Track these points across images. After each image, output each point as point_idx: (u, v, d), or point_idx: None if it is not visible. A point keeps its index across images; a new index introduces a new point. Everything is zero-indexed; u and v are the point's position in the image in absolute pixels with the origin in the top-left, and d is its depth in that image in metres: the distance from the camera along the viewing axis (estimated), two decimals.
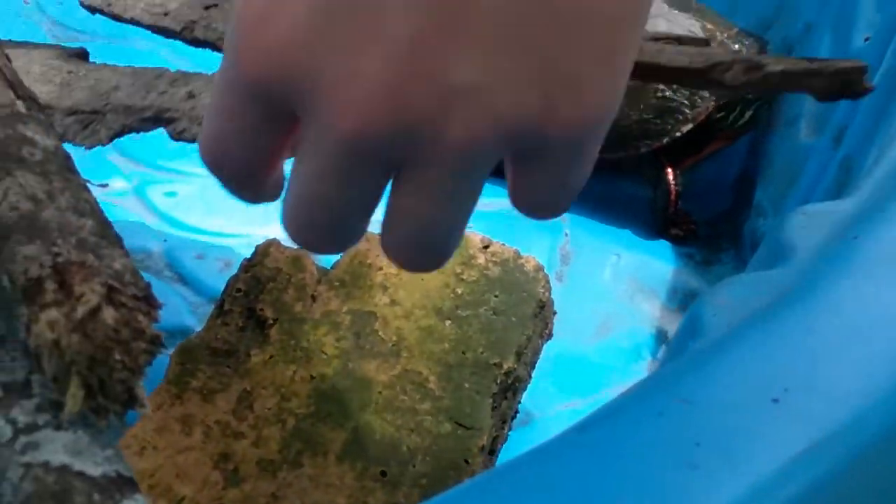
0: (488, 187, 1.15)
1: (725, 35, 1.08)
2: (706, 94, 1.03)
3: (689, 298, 1.02)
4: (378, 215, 1.08)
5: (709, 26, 1.08)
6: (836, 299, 0.46)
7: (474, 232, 0.89)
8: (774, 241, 0.54)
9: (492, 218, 1.09)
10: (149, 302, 0.40)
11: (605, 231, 1.08)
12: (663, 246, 1.07)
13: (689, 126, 1.03)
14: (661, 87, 1.04)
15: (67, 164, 0.44)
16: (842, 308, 0.45)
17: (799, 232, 0.54)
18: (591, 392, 0.95)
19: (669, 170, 1.05)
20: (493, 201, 1.11)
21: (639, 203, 1.11)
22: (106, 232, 0.42)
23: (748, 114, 1.04)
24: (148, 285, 0.41)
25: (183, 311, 0.93)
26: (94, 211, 0.42)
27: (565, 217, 1.10)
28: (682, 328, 0.53)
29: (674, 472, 0.38)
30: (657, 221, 1.07)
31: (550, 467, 0.39)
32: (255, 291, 0.83)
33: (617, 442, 0.39)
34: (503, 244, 0.89)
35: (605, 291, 1.02)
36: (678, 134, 1.03)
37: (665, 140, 1.03)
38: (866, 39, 0.97)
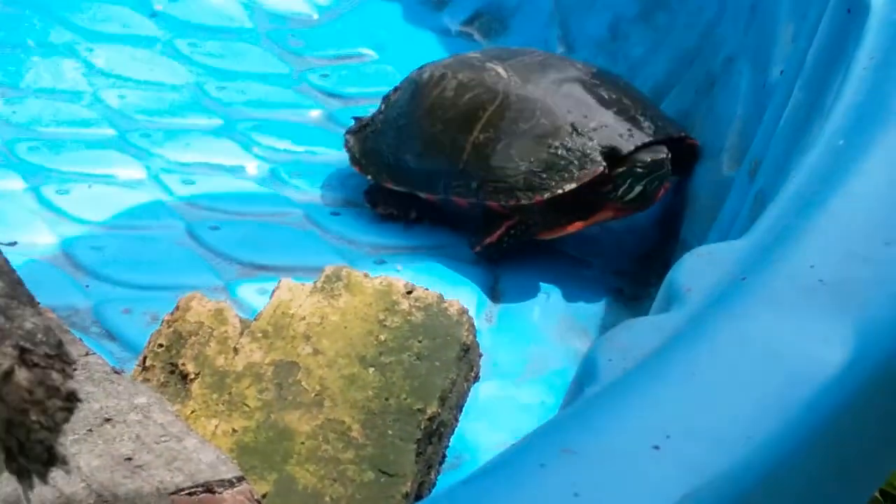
0: (416, 230, 1.16)
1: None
2: (598, 157, 1.04)
3: None
4: (296, 259, 1.07)
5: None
6: (719, 342, 0.47)
7: (398, 277, 0.89)
8: (670, 283, 0.55)
9: (422, 260, 1.10)
10: (62, 359, 0.40)
11: (534, 270, 1.09)
12: (593, 282, 1.08)
13: (573, 185, 1.04)
14: (557, 141, 1.05)
15: None
16: (724, 351, 0.46)
17: (692, 274, 0.54)
18: (521, 431, 0.95)
19: (505, 226, 1.07)
20: (422, 244, 1.12)
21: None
22: (16, 292, 0.42)
23: (637, 188, 1.05)
24: (60, 342, 0.41)
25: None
26: (3, 272, 0.42)
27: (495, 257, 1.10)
28: (578, 373, 0.53)
29: None
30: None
31: None
32: (176, 346, 0.83)
33: (497, 495, 0.40)
34: (426, 289, 0.89)
35: (535, 330, 1.03)
36: (559, 191, 1.04)
37: (546, 195, 1.04)
38: (781, 73, 0.99)
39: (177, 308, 0.86)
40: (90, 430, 0.71)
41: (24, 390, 0.37)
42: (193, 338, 0.84)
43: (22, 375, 0.37)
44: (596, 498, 0.39)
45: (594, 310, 1.05)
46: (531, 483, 0.40)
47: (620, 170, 1.04)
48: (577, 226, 1.07)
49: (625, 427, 0.42)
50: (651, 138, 1.05)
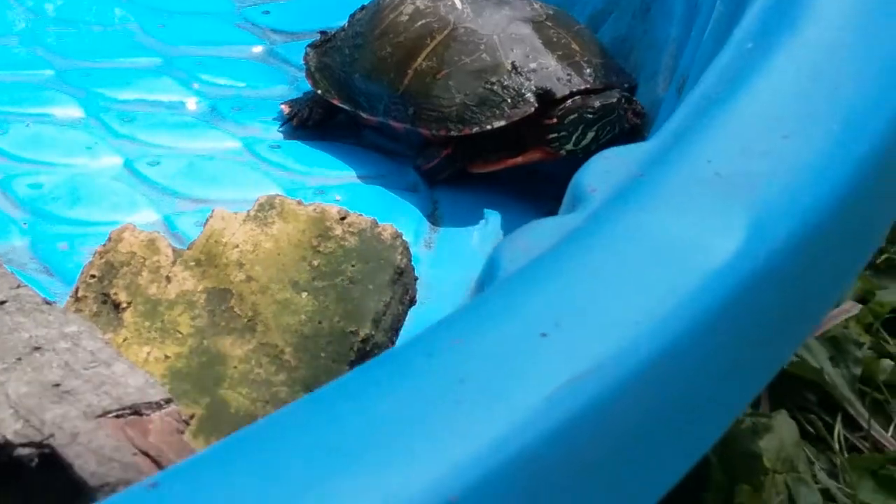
0: (357, 160, 1.16)
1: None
2: (532, 98, 1.04)
3: None
4: (234, 191, 1.07)
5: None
6: (614, 235, 0.47)
7: (331, 204, 0.89)
8: (575, 184, 0.55)
9: (362, 190, 1.10)
10: None
11: (473, 197, 1.09)
12: (532, 208, 1.08)
13: (502, 123, 1.05)
14: (495, 78, 1.05)
15: None
16: (616, 244, 0.47)
17: (597, 175, 0.55)
18: None
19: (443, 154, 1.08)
20: (363, 173, 1.13)
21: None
22: None
23: (590, 134, 1.05)
24: None
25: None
26: None
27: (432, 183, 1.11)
28: (481, 274, 0.54)
29: (437, 408, 0.39)
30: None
31: (318, 410, 0.40)
32: (109, 276, 0.83)
33: (383, 383, 0.40)
34: (360, 214, 0.90)
35: (473, 255, 1.04)
36: (488, 127, 1.05)
37: (475, 129, 1.05)
38: None
39: (109, 239, 0.86)
40: (19, 359, 0.72)
41: None
42: (126, 268, 0.84)
43: None
44: (481, 384, 0.40)
45: None
46: (418, 371, 0.41)
47: (572, 117, 1.04)
48: (508, 163, 1.08)
49: (514, 317, 0.43)
50: (589, 85, 1.05)
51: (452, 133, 1.05)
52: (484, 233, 1.06)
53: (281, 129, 1.19)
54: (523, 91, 1.04)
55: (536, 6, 1.12)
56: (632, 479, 0.43)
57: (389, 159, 1.14)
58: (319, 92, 1.16)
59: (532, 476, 0.38)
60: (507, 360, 0.41)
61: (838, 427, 0.98)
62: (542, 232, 0.52)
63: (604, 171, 0.55)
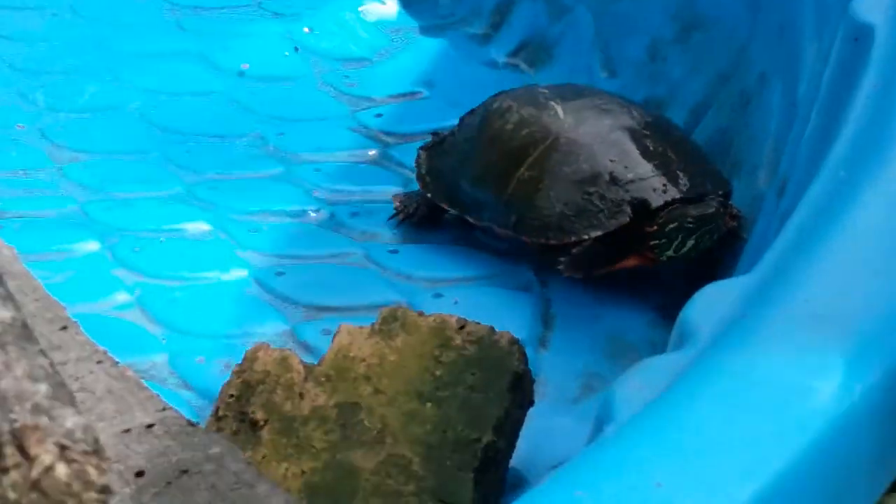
0: (468, 262, 1.21)
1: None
2: (628, 209, 1.10)
3: None
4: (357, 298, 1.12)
5: None
6: (719, 382, 0.51)
7: (450, 315, 0.94)
8: (682, 321, 0.60)
9: (476, 291, 1.15)
10: (98, 455, 0.46)
11: (585, 292, 1.13)
12: (639, 303, 1.12)
13: (598, 233, 1.10)
14: (593, 188, 1.10)
15: (24, 334, 0.50)
16: (723, 391, 0.51)
17: (702, 312, 0.59)
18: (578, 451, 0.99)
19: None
20: (475, 275, 1.18)
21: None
22: (59, 393, 0.47)
23: (689, 243, 1.09)
24: (97, 440, 0.47)
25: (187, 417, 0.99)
26: (49, 375, 0.48)
27: (545, 282, 1.15)
28: (599, 413, 0.58)
29: None
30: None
31: None
32: (246, 395, 0.89)
33: None
34: (478, 323, 0.94)
35: (587, 352, 1.08)
36: (585, 237, 1.10)
37: (572, 238, 1.10)
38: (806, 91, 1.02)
39: (245, 359, 0.91)
40: (169, 483, 0.77)
41: (62, 483, 0.42)
42: (261, 386, 0.89)
43: (61, 470, 0.42)
44: None
45: (642, 329, 1.09)
46: None
47: (672, 226, 1.09)
48: (611, 268, 1.13)
49: (630, 468, 0.47)
50: (683, 195, 1.10)
51: (552, 242, 1.11)
52: (596, 330, 1.10)
53: (396, 232, 1.24)
54: (620, 202, 1.09)
55: (636, 114, 1.17)
56: None
57: (500, 259, 1.19)
58: (429, 195, 1.22)
59: None
60: None
61: None
62: (654, 372, 0.56)
63: (708, 308, 0.59)
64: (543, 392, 1.00)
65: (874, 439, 0.53)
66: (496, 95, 1.25)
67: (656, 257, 1.10)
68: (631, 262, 1.12)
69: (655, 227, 1.09)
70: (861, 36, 0.82)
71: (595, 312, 1.12)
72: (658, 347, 1.07)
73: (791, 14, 1.12)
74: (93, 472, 0.45)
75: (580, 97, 1.20)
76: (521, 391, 0.93)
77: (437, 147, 1.26)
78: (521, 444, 0.93)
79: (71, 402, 0.49)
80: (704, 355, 0.54)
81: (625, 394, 0.57)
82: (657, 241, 1.09)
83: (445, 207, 1.21)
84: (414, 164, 1.26)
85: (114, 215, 1.25)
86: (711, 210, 1.07)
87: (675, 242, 1.09)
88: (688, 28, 1.33)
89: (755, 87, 1.19)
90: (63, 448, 0.45)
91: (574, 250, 1.11)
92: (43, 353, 0.51)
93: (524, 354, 0.94)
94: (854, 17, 0.85)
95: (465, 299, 1.13)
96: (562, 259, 1.13)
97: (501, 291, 1.15)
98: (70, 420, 0.47)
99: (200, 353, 1.07)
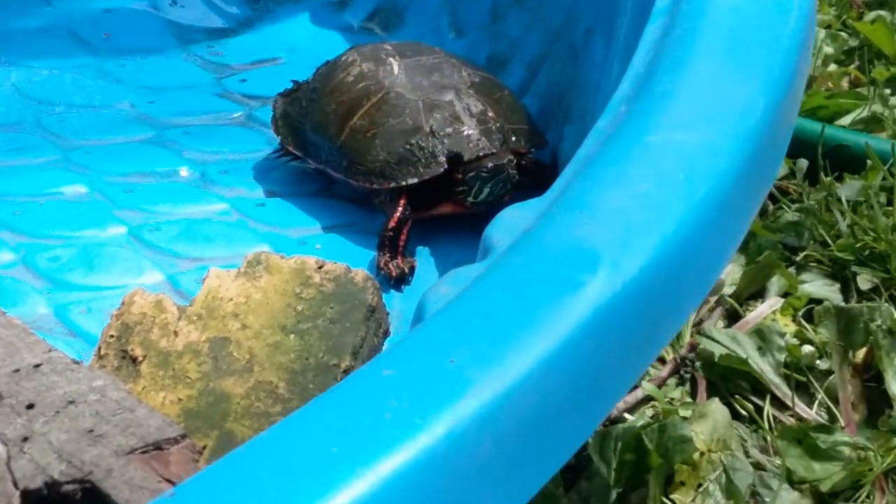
0: (331, 212, 1.30)
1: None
2: (443, 159, 1.21)
3: None
4: (227, 248, 1.21)
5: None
6: (502, 279, 0.62)
7: (310, 256, 1.04)
8: (484, 238, 0.71)
9: (338, 238, 1.25)
10: None
11: (438, 234, 1.24)
12: None
13: (415, 180, 1.22)
14: (414, 139, 1.22)
15: None
16: (506, 285, 0.62)
17: (500, 229, 0.70)
18: None
19: (400, 205, 1.22)
20: (337, 223, 1.28)
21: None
22: None
23: (485, 190, 1.22)
24: None
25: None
26: None
27: None
28: (415, 313, 0.69)
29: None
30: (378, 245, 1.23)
31: (292, 428, 0.55)
32: (125, 335, 0.98)
33: (334, 406, 0.55)
34: (335, 262, 1.05)
35: None
36: (403, 184, 1.22)
37: (392, 185, 1.22)
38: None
39: (123, 303, 1.00)
40: (57, 412, 0.84)
41: None
42: (138, 327, 0.98)
43: None
44: (407, 406, 0.55)
45: None
46: (362, 395, 0.56)
47: (470, 174, 1.21)
48: (432, 212, 1.25)
49: (429, 351, 0.58)
50: (495, 150, 1.22)
51: (375, 186, 1.23)
52: (447, 265, 1.21)
53: (263, 186, 1.34)
54: (437, 153, 1.21)
55: (465, 73, 1.28)
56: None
57: (358, 207, 1.30)
58: (279, 138, 1.34)
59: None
60: (422, 383, 0.56)
61: (767, 408, 1.12)
62: (458, 278, 0.67)
63: (507, 225, 0.71)
64: (400, 326, 1.11)
65: (631, 329, 0.64)
66: (348, 50, 1.36)
67: (461, 203, 1.23)
68: (448, 208, 1.25)
69: (459, 177, 1.21)
70: None
71: (446, 251, 1.23)
72: None
73: None
74: None
75: (418, 55, 1.31)
76: (375, 322, 1.03)
77: (292, 94, 1.38)
78: None
79: None
80: (496, 260, 0.65)
81: (434, 296, 0.68)
82: (461, 189, 1.22)
83: (291, 150, 1.33)
84: (271, 109, 1.37)
85: None
86: (503, 162, 1.20)
87: (474, 189, 1.22)
88: None
89: (582, 42, 1.30)
90: None
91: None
92: None
93: (378, 289, 1.04)
94: None
95: (327, 245, 1.24)
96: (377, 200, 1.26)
97: (360, 237, 1.25)
98: None
99: (83, 305, 1.16)
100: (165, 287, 1.18)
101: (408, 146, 1.22)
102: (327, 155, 1.28)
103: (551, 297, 0.61)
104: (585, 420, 0.62)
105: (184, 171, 1.37)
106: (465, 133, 1.22)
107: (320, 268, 1.04)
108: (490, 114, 1.24)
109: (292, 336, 0.99)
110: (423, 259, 1.23)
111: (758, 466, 1.06)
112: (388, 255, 1.21)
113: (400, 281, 1.21)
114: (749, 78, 0.77)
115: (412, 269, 1.21)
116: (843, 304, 1.20)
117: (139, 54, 1.59)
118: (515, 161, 1.20)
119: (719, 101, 0.76)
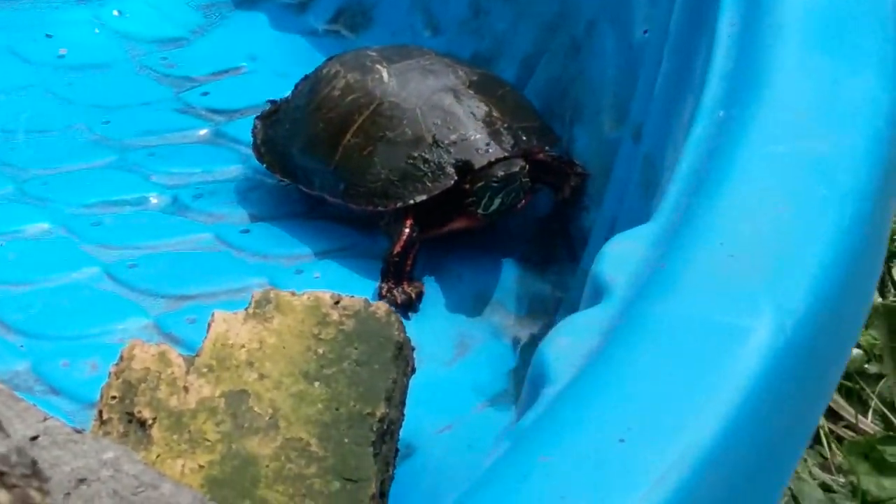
0: (324, 234, 1.19)
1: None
2: (451, 171, 1.10)
3: (536, 302, 1.09)
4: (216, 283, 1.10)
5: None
6: (655, 333, 0.52)
7: (323, 290, 0.93)
8: (594, 276, 0.60)
9: (336, 264, 1.14)
10: (38, 477, 0.44)
11: (444, 254, 1.14)
12: (500, 258, 1.13)
13: (423, 197, 1.10)
14: (416, 152, 1.10)
15: None
16: (659, 339, 0.52)
17: (613, 265, 0.60)
18: (461, 411, 1.01)
19: (407, 226, 1.11)
20: (332, 247, 1.17)
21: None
22: None
23: (497, 201, 1.09)
24: (34, 461, 0.45)
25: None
26: None
27: None
28: (531, 375, 0.58)
29: None
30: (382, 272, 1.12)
31: None
32: (129, 395, 0.87)
33: None
34: (351, 296, 0.94)
35: (454, 313, 1.08)
36: (411, 202, 1.10)
37: (398, 204, 1.10)
38: (645, 32, 1.05)
39: (121, 358, 0.89)
40: (68, 494, 0.74)
41: None
42: (143, 384, 0.87)
43: (3, 497, 0.41)
44: (581, 498, 0.44)
45: (506, 284, 1.10)
46: (522, 496, 0.45)
47: (479, 184, 1.09)
48: (444, 229, 1.14)
49: (591, 427, 0.48)
50: (507, 154, 1.10)
51: (379, 208, 1.11)
52: (459, 289, 1.10)
53: (243, 210, 1.22)
54: (443, 164, 1.09)
55: (461, 73, 1.17)
56: None
57: (354, 229, 1.19)
58: (265, 166, 1.21)
59: None
60: (596, 471, 0.46)
61: (822, 421, 1.04)
62: (580, 329, 0.57)
63: (619, 260, 0.60)
64: (419, 358, 1.00)
65: (808, 373, 0.55)
66: (327, 60, 1.24)
67: (472, 215, 1.11)
68: (461, 222, 1.13)
69: (468, 187, 1.10)
70: None
71: (457, 273, 1.12)
72: (524, 301, 1.08)
73: None
74: (35, 495, 0.43)
75: (406, 58, 1.19)
76: (403, 360, 0.93)
77: (272, 116, 1.25)
78: (407, 411, 0.93)
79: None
80: (632, 307, 0.55)
81: (556, 354, 0.57)
82: (470, 200, 1.10)
83: (279, 178, 1.20)
84: (251, 135, 1.25)
85: None
86: (515, 170, 1.08)
87: (484, 201, 1.10)
88: None
89: (584, 35, 1.20)
90: (1, 474, 0.43)
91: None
92: None
93: (401, 323, 0.94)
94: None
95: (327, 273, 1.13)
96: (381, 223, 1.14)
97: (360, 262, 1.14)
98: (2, 444, 0.45)
99: (64, 357, 1.04)
100: (153, 331, 1.06)
101: (410, 160, 1.10)
102: (321, 180, 1.16)
103: (717, 350, 0.51)
104: (775, 487, 0.52)
105: (154, 198, 1.24)
106: (472, 138, 1.11)
107: (337, 303, 0.94)
108: (496, 114, 1.13)
109: (317, 384, 0.88)
110: (430, 282, 1.12)
111: (824, 487, 0.98)
112: (391, 281, 1.10)
113: (407, 307, 1.10)
114: (858, 70, 0.68)
115: (420, 294, 1.11)
116: (887, 301, 1.13)
117: (87, 70, 1.46)
118: (528, 167, 1.09)
119: (836, 100, 0.66)
